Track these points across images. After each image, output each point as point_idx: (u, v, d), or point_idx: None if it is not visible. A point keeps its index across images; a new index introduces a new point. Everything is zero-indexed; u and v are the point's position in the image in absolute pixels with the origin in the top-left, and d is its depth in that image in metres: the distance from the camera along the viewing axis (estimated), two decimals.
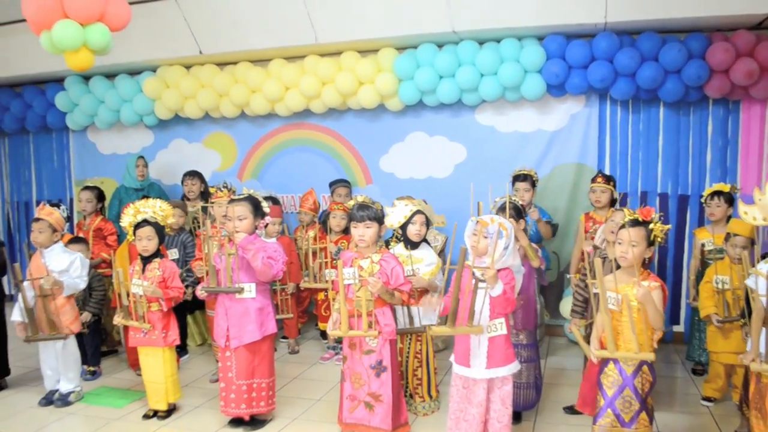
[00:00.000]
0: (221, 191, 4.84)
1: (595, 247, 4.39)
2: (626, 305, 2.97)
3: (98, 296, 4.95)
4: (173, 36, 6.02)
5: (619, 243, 3.11)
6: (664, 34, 5.21)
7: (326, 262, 5.03)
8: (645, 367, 3.06)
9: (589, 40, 5.31)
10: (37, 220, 4.42)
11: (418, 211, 4.08)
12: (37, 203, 7.73)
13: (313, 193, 5.85)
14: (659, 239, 3.10)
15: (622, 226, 3.13)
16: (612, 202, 4.97)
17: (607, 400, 3.09)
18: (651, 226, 3.09)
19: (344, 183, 6.06)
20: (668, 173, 5.62)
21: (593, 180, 5.01)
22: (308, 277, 5.14)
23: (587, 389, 3.21)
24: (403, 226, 4.09)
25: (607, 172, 5.55)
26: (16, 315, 4.43)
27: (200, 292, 3.96)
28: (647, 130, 5.64)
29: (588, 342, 3.41)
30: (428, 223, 4.17)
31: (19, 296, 4.32)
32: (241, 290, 3.82)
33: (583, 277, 4.03)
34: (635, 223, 3.10)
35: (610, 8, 4.89)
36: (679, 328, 5.60)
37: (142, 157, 6.51)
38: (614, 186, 4.97)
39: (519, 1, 5.07)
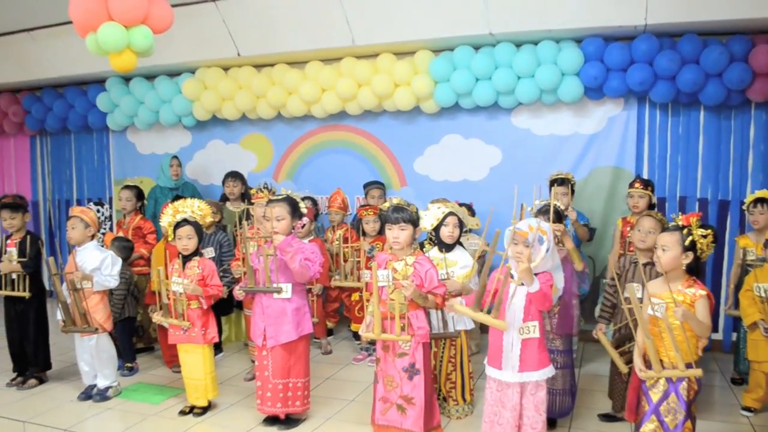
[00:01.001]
0: (261, 192, 4.89)
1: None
2: (669, 315, 2.92)
3: (119, 296, 5.05)
4: (212, 38, 6.11)
5: (655, 248, 3.07)
6: (706, 37, 5.13)
7: (358, 262, 5.04)
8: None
9: (628, 42, 5.25)
10: (71, 217, 4.53)
11: (451, 213, 4.07)
12: (78, 202, 7.95)
13: (340, 192, 5.89)
14: (701, 245, 3.04)
15: (661, 231, 3.10)
16: (650, 207, 4.89)
17: (652, 406, 3.04)
18: (686, 231, 3.03)
19: (378, 185, 6.08)
20: (708, 178, 5.53)
21: (631, 185, 4.93)
22: (339, 276, 5.14)
23: (633, 397, 3.16)
24: (436, 229, 4.09)
25: (645, 176, 5.48)
26: (58, 314, 4.54)
27: (238, 292, 4.01)
28: (687, 133, 5.55)
29: (616, 348, 3.39)
30: (462, 226, 4.15)
31: (56, 288, 4.45)
32: (279, 290, 3.85)
33: (612, 282, 3.98)
34: (669, 227, 3.08)
35: (650, 10, 4.83)
36: (718, 336, 5.49)
37: (176, 156, 6.63)
38: (652, 191, 4.89)
39: (557, 3, 5.03)
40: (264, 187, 4.94)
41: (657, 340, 2.99)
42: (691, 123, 5.52)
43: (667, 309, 2.94)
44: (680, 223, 3.06)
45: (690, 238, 3.01)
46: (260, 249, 3.91)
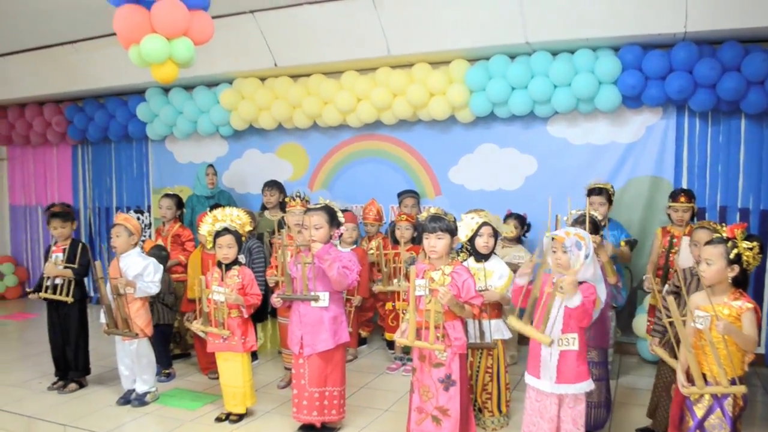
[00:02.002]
0: (294, 200, 4.93)
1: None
2: (714, 330, 2.87)
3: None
4: (250, 49, 6.21)
5: (699, 261, 3.02)
6: (747, 44, 5.04)
7: (395, 268, 5.04)
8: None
9: (667, 50, 5.19)
10: (115, 225, 4.63)
11: (485, 224, 4.06)
12: (117, 210, 8.10)
13: (375, 203, 5.90)
14: (747, 257, 2.97)
15: (706, 243, 3.04)
16: (692, 218, 4.81)
17: (696, 421, 2.98)
18: (730, 243, 2.96)
19: (412, 194, 6.09)
20: (750, 187, 5.42)
21: (675, 199, 4.82)
22: (381, 283, 5.14)
23: (676, 411, 3.10)
24: (471, 239, 4.07)
25: (684, 185, 5.40)
26: (102, 317, 4.64)
27: (276, 300, 4.04)
28: (727, 142, 5.46)
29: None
30: (497, 235, 4.13)
31: (100, 292, 4.55)
32: (316, 298, 3.87)
33: (672, 296, 3.83)
34: (713, 240, 3.02)
35: (690, 17, 4.77)
36: (760, 350, 5.36)
37: (211, 165, 6.73)
38: (695, 202, 4.81)
39: (595, 11, 4.99)
40: (297, 196, 4.98)
41: (700, 354, 2.94)
42: (732, 131, 5.43)
43: (711, 322, 2.89)
44: (725, 235, 3.00)
45: (735, 250, 2.95)
46: (298, 257, 3.94)
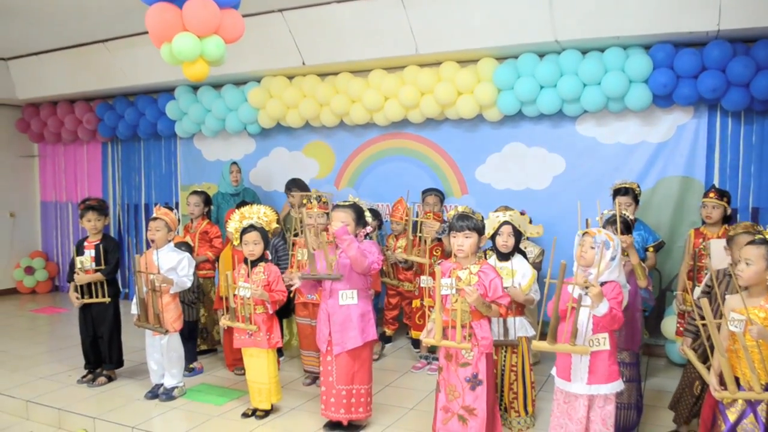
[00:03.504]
0: (311, 203, 4.96)
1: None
2: (747, 334, 2.81)
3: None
4: (278, 47, 6.24)
5: (739, 261, 2.96)
6: None
7: (420, 238, 5.03)
8: None
9: (700, 48, 5.12)
10: (155, 219, 4.68)
11: (505, 222, 4.04)
12: (146, 206, 8.20)
13: (403, 202, 5.87)
14: None
15: (746, 243, 2.97)
16: (725, 219, 4.72)
17: (729, 425, 2.93)
18: None
19: (434, 192, 6.06)
20: None
21: (705, 195, 4.77)
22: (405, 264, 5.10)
23: (708, 414, 3.06)
24: (493, 237, 4.06)
25: (716, 186, 5.30)
26: (134, 308, 4.72)
27: (297, 279, 4.05)
28: (761, 142, 5.36)
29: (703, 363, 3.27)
30: (518, 234, 4.10)
31: (136, 286, 4.64)
32: (339, 278, 3.86)
33: (707, 290, 3.76)
34: (755, 240, 2.95)
35: (723, 15, 4.69)
36: None
37: (235, 163, 6.78)
38: (728, 202, 4.70)
39: (626, 9, 4.94)
40: (315, 198, 5.00)
41: (734, 357, 2.89)
42: (766, 131, 5.34)
43: (745, 326, 2.84)
44: (767, 235, 2.94)
45: None
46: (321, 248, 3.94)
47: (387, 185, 6.69)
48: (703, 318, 2.81)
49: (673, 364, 5.41)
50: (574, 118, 5.86)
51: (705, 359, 3.53)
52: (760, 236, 2.99)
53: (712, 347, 3.00)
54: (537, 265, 4.97)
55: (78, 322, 5.17)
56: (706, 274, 3.86)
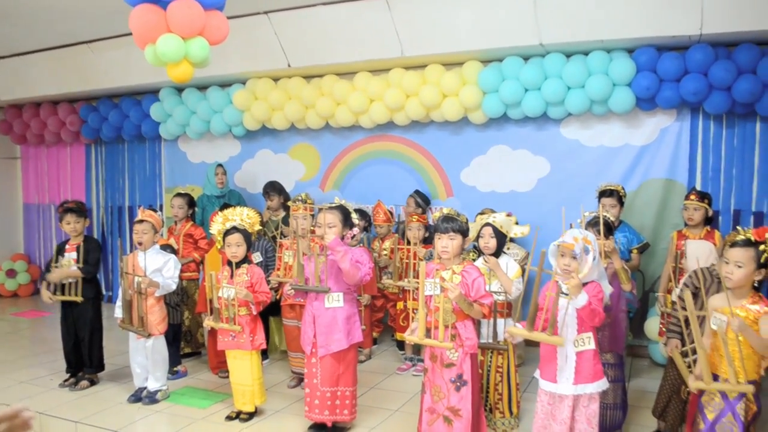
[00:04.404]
0: (296, 204, 4.94)
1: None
2: (729, 330, 2.84)
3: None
4: (264, 49, 6.23)
5: (726, 262, 2.98)
6: (763, 46, 5.01)
7: (407, 264, 5.01)
8: (749, 394, 2.92)
9: (682, 52, 5.17)
10: (141, 221, 4.65)
11: (486, 224, 4.06)
12: (130, 209, 8.15)
13: (382, 205, 5.90)
14: None
15: (732, 245, 2.99)
16: (707, 221, 4.76)
17: (708, 424, 2.96)
18: (762, 247, 2.92)
19: (416, 195, 6.08)
20: (764, 191, 5.37)
21: (687, 197, 4.82)
22: (392, 277, 5.08)
23: (692, 412, 3.08)
24: (476, 239, 4.09)
25: (698, 188, 5.35)
26: (117, 312, 4.68)
27: (288, 291, 4.06)
28: (742, 145, 5.42)
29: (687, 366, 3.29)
30: (501, 235, 4.10)
31: (124, 286, 4.60)
32: (328, 290, 3.87)
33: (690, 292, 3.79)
34: (743, 243, 2.96)
35: (706, 20, 4.74)
36: None
37: (221, 165, 6.76)
38: (709, 204, 4.75)
39: (610, 13, 4.98)
40: (300, 200, 4.98)
41: (715, 356, 2.92)
42: (747, 134, 5.39)
43: (727, 325, 2.86)
44: (751, 237, 2.96)
45: (765, 255, 2.91)
46: (311, 252, 3.94)
47: (373, 188, 6.70)
48: (685, 310, 2.84)
49: (657, 365, 5.44)
50: (558, 120, 5.90)
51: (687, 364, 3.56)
52: (742, 237, 3.00)
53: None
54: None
55: (60, 326, 5.11)
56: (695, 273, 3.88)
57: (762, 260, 2.91)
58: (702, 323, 3.04)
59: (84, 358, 5.07)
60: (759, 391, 2.95)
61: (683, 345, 3.69)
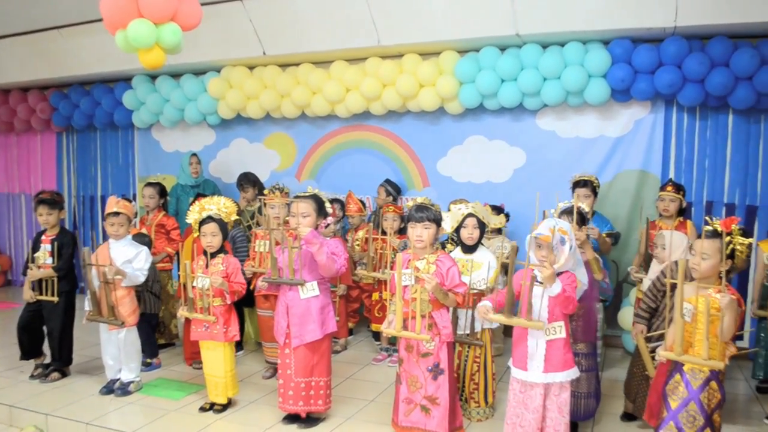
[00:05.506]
0: (273, 193, 4.90)
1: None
2: (702, 314, 2.86)
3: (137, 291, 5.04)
4: (239, 37, 6.15)
5: (693, 254, 3.01)
6: (736, 39, 5.06)
7: (381, 254, 5.00)
8: (713, 383, 2.96)
9: (657, 44, 5.20)
10: (117, 214, 4.56)
11: (470, 215, 4.05)
12: (102, 198, 8.02)
13: (352, 195, 5.89)
14: (740, 253, 2.98)
15: (699, 237, 3.02)
16: (681, 212, 4.83)
17: (671, 412, 3.00)
18: (728, 238, 2.95)
19: (385, 183, 6.09)
20: (736, 183, 5.45)
21: (663, 188, 4.88)
22: (365, 268, 5.06)
23: (654, 399, 3.12)
24: (457, 230, 4.07)
25: (673, 179, 5.41)
26: (87, 305, 4.59)
27: (261, 284, 4.02)
28: (715, 137, 5.48)
29: (652, 353, 3.32)
30: (483, 226, 4.12)
31: (87, 278, 4.50)
32: (302, 283, 3.85)
33: (662, 287, 3.84)
34: (710, 234, 2.99)
35: (680, 12, 4.77)
36: (743, 344, 5.40)
37: (195, 154, 6.69)
38: (684, 195, 4.82)
39: (585, 4, 5.00)
40: (276, 188, 4.94)
41: (687, 345, 2.94)
42: (720, 127, 5.46)
43: (695, 315, 2.89)
44: (719, 228, 2.98)
45: (731, 246, 2.95)
46: (285, 244, 3.90)
47: (349, 178, 6.66)
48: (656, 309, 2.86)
49: (630, 354, 5.49)
50: (534, 111, 5.92)
51: (651, 351, 3.60)
52: (710, 228, 3.03)
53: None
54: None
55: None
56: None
57: (728, 251, 2.94)
58: (670, 311, 3.07)
59: (53, 352, 4.97)
60: (723, 379, 2.99)
61: (651, 340, 3.75)
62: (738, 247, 2.96)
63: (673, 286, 2.92)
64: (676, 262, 3.64)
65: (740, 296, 2.98)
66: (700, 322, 2.87)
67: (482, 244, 4.19)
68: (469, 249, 4.10)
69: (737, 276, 5.40)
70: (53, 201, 4.97)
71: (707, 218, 3.12)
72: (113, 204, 4.59)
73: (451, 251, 4.19)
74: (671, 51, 5.09)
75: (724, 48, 5.00)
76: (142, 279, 4.59)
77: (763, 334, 4.60)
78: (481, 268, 4.02)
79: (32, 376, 4.95)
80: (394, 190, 6.13)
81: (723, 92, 5.03)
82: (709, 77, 5.03)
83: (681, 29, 4.98)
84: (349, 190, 6.02)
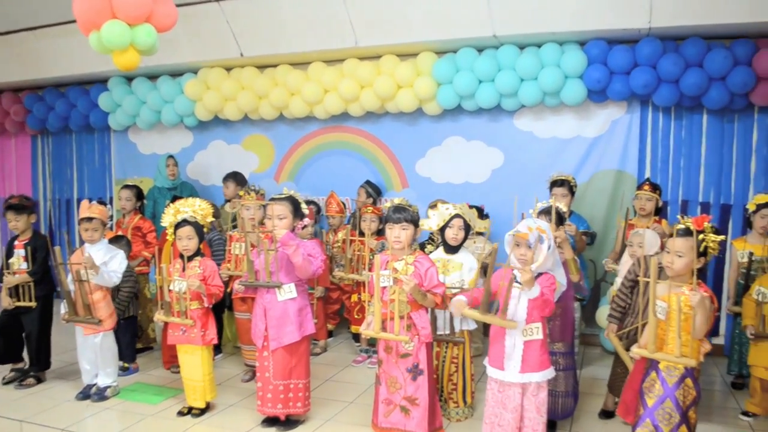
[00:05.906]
0: (248, 194, 4.88)
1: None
2: (675, 311, 2.89)
3: (125, 294, 4.99)
4: (215, 38, 6.11)
5: (668, 252, 3.04)
6: (710, 40, 5.13)
7: (359, 256, 4.99)
8: (688, 380, 2.99)
9: (632, 45, 5.25)
10: (90, 219, 4.50)
11: (457, 215, 4.06)
12: (78, 201, 7.91)
13: (335, 196, 5.89)
14: (712, 250, 3.02)
15: (671, 235, 3.05)
16: (657, 211, 4.88)
17: (647, 410, 3.03)
18: (701, 236, 2.99)
19: (366, 185, 6.09)
20: (710, 182, 5.52)
21: (639, 187, 4.93)
22: (343, 269, 5.05)
23: (630, 397, 3.15)
24: (442, 230, 4.08)
25: (649, 179, 5.47)
26: (63, 307, 4.53)
27: (238, 287, 3.99)
28: (690, 137, 5.55)
29: (627, 350, 3.35)
30: (468, 228, 4.13)
31: (60, 279, 4.43)
32: (279, 285, 3.82)
33: (630, 283, 3.90)
34: (683, 233, 3.02)
35: (654, 14, 4.82)
36: (719, 341, 5.46)
37: (172, 156, 6.64)
38: (660, 195, 4.88)
39: (561, 6, 5.03)
40: (251, 190, 4.91)
41: (660, 344, 2.97)
42: (694, 126, 5.52)
43: (669, 313, 2.92)
44: (691, 226, 3.01)
45: (704, 243, 2.98)
46: (261, 246, 3.88)
47: (328, 179, 6.64)
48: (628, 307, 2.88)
49: (609, 353, 5.53)
50: (512, 112, 5.94)
51: (629, 346, 3.63)
52: (684, 227, 3.05)
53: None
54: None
55: None
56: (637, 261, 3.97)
57: (701, 249, 2.98)
58: (645, 310, 3.10)
59: (32, 357, 4.91)
60: (698, 376, 3.02)
61: (627, 336, 3.80)
62: (710, 244, 3.00)
63: (646, 284, 2.95)
64: (646, 257, 3.70)
65: (713, 294, 3.02)
66: (672, 320, 2.90)
67: (465, 247, 4.20)
68: (452, 249, 4.11)
69: (712, 274, 5.48)
70: (21, 206, 4.89)
71: (680, 216, 3.15)
72: (86, 209, 4.54)
73: (430, 252, 4.20)
74: (646, 52, 5.14)
75: (697, 49, 5.06)
76: (116, 281, 4.54)
77: (737, 331, 4.66)
78: (460, 269, 4.03)
79: (6, 381, 4.87)
80: (375, 192, 6.13)
81: (697, 92, 5.09)
82: (683, 78, 5.09)
83: (656, 30, 5.03)
84: (332, 191, 6.01)
